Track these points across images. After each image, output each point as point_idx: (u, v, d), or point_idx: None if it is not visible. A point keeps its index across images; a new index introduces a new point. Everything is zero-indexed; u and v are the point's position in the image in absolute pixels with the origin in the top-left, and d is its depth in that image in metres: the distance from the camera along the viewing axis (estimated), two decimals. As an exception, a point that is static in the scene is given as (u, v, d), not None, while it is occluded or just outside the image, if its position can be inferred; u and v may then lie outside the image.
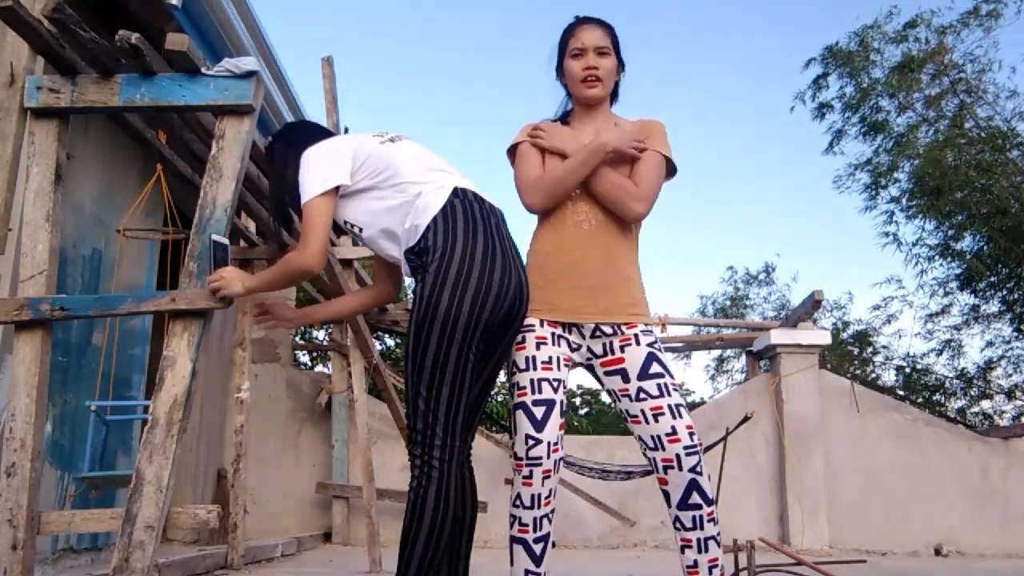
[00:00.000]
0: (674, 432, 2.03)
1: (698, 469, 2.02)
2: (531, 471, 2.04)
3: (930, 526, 6.82)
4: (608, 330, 2.15)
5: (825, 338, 7.23)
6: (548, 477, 2.04)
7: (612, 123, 2.27)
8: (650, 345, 2.13)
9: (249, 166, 3.53)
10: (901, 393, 12.67)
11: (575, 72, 2.24)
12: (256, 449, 6.15)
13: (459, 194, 2.09)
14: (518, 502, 2.07)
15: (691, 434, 2.04)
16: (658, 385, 2.07)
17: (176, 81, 2.70)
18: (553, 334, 2.15)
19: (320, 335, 11.68)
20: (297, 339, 9.74)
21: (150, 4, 3.60)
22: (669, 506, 2.07)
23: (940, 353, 12.72)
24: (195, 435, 5.52)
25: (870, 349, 13.88)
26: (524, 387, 2.10)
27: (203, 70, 2.70)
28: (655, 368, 2.09)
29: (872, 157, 11.41)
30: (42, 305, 2.56)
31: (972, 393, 12.83)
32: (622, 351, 2.13)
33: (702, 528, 2.03)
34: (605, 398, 16.89)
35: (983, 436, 7.29)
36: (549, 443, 2.04)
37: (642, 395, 2.07)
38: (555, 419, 2.07)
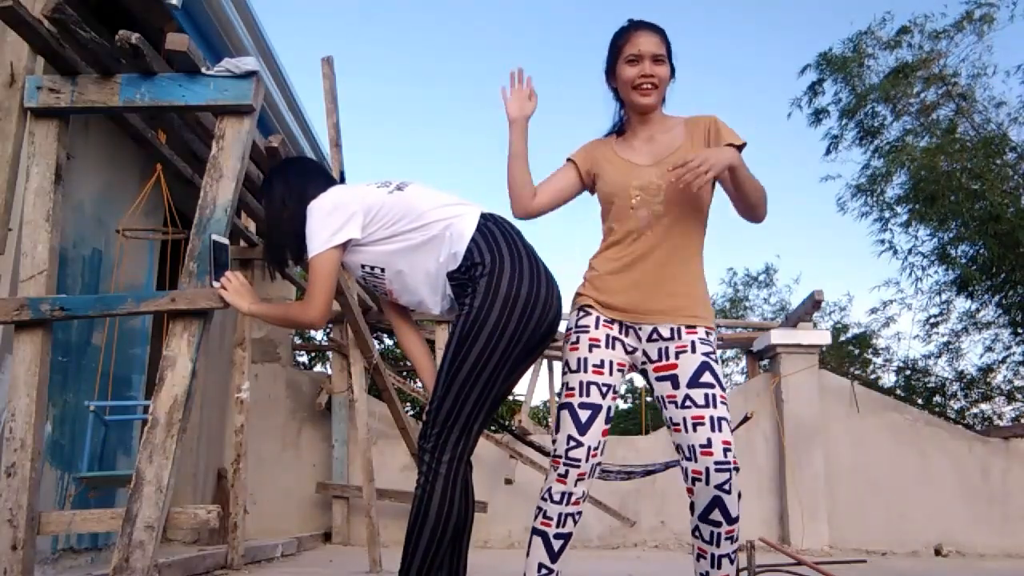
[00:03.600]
0: (708, 445, 1.99)
1: (726, 487, 1.98)
2: (567, 470, 2.07)
3: (930, 526, 6.81)
4: (666, 334, 2.12)
5: (825, 338, 7.24)
6: (582, 479, 2.07)
7: (667, 127, 2.23)
8: (706, 354, 2.09)
9: (249, 166, 3.53)
10: (901, 394, 12.67)
11: (629, 78, 2.18)
12: (256, 449, 6.15)
13: (489, 218, 2.13)
14: (547, 496, 2.09)
15: (726, 450, 1.99)
16: (706, 395, 2.04)
17: (176, 81, 2.69)
18: (608, 336, 2.13)
19: (320, 335, 11.68)
20: (297, 339, 9.74)
21: (150, 4, 3.60)
22: (692, 514, 2.06)
23: (939, 356, 12.75)
24: (195, 435, 5.52)
25: (870, 350, 13.88)
26: (573, 388, 2.10)
27: (203, 70, 2.69)
28: (706, 378, 2.06)
29: (870, 160, 11.39)
30: (42, 305, 2.56)
31: (972, 395, 12.83)
32: (676, 357, 2.09)
33: (718, 545, 2.03)
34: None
35: (983, 436, 7.29)
36: (589, 447, 2.06)
37: (687, 403, 2.04)
38: (599, 424, 2.08)
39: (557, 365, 9.09)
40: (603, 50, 2.29)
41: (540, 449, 6.13)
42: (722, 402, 2.04)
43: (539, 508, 2.11)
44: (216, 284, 2.46)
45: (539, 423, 11.01)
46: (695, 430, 2.01)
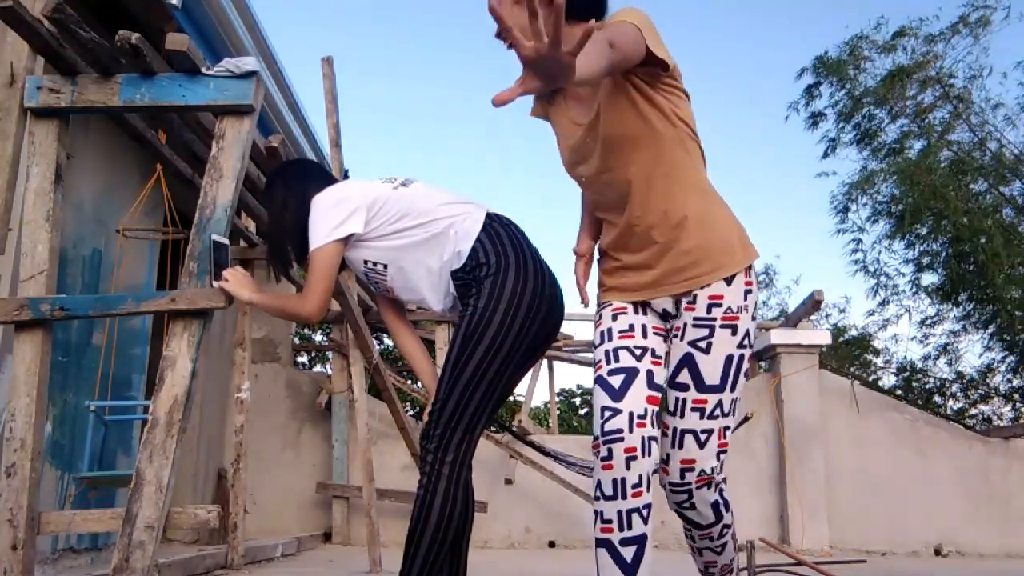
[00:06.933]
0: (667, 460, 1.80)
1: (686, 504, 1.80)
2: (609, 449, 1.65)
3: (930, 526, 6.81)
4: (671, 309, 1.81)
5: (825, 338, 7.24)
6: (634, 458, 1.63)
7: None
8: (694, 343, 1.75)
9: (249, 166, 3.53)
10: (900, 394, 12.68)
11: None
12: (256, 449, 6.14)
13: (495, 218, 2.13)
14: (598, 493, 1.68)
15: (684, 471, 1.76)
16: (676, 399, 1.78)
17: (176, 81, 2.69)
18: (635, 303, 1.85)
19: (319, 335, 11.68)
20: (297, 339, 9.74)
21: (150, 4, 3.60)
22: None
23: (937, 358, 12.77)
24: (195, 435, 5.52)
25: (870, 351, 13.89)
26: (599, 360, 1.79)
27: (203, 70, 2.70)
28: (683, 377, 1.76)
29: (867, 164, 11.43)
30: (42, 305, 2.56)
31: (972, 396, 12.84)
32: (669, 343, 1.80)
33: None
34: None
35: (983, 436, 7.29)
36: (631, 413, 1.66)
37: (668, 405, 1.79)
38: (638, 389, 1.70)
39: (557, 365, 9.10)
40: None
41: (540, 449, 6.13)
42: (694, 409, 1.81)
43: (595, 512, 1.71)
44: (216, 284, 2.47)
45: (539, 423, 11.01)
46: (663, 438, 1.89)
